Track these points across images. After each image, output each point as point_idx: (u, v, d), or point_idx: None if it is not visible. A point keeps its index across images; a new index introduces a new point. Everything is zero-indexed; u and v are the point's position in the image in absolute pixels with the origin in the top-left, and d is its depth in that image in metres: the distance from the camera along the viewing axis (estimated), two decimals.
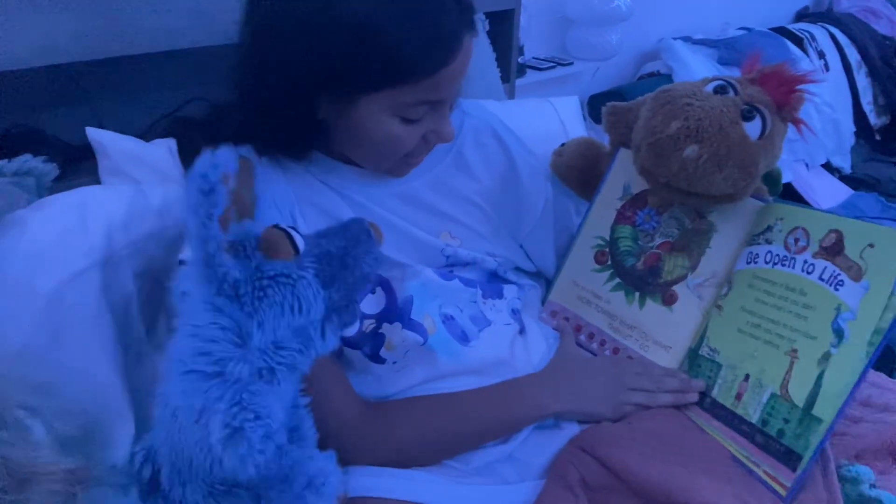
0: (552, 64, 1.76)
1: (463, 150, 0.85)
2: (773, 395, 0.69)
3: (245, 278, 0.54)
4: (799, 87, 0.77)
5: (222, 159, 0.53)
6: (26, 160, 0.81)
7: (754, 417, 0.70)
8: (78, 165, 0.90)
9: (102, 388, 0.72)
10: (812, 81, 0.77)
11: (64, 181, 0.86)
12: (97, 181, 0.87)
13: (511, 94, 1.45)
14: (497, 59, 1.33)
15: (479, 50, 1.26)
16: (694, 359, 0.79)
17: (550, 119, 1.19)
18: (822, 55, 2.42)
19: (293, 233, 0.58)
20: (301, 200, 0.75)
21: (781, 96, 0.77)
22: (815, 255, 0.71)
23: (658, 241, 0.85)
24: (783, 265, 0.74)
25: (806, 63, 2.27)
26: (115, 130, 0.89)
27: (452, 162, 0.85)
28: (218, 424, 0.52)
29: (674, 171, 0.76)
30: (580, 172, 0.95)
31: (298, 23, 0.64)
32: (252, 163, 0.66)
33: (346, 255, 0.59)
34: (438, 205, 0.82)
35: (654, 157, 0.77)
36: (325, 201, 0.76)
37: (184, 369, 0.56)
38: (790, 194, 2.07)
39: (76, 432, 0.68)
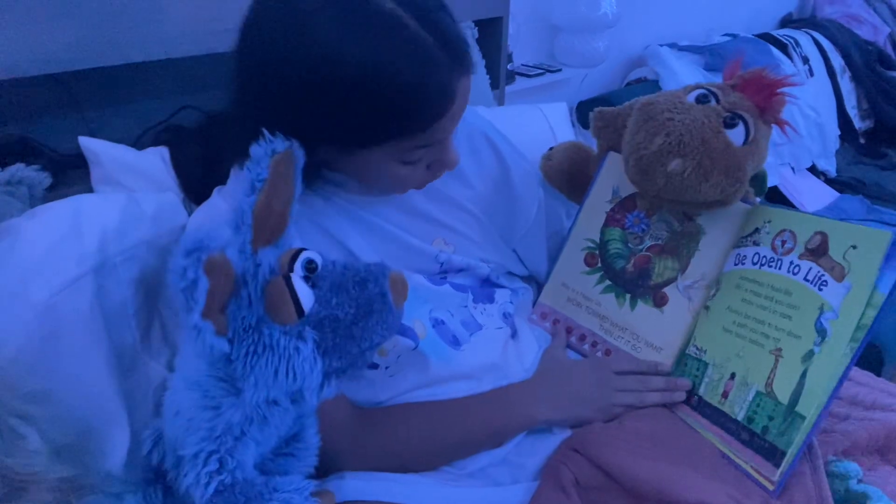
0: (541, 71, 1.77)
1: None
2: (758, 393, 0.71)
3: (238, 341, 0.52)
4: (779, 90, 0.78)
5: (211, 235, 0.49)
6: (19, 169, 0.82)
7: (740, 415, 0.71)
8: (70, 174, 0.90)
9: (97, 396, 0.72)
10: (792, 84, 0.78)
11: (56, 190, 0.87)
12: (90, 190, 0.87)
13: (501, 101, 1.46)
14: (486, 67, 1.34)
15: None
16: (681, 358, 0.80)
17: (540, 125, 1.20)
18: (806, 61, 2.45)
19: (301, 289, 0.54)
20: (296, 213, 0.75)
21: (762, 101, 0.78)
22: (800, 257, 0.72)
23: (647, 243, 0.87)
24: (770, 266, 0.75)
25: (790, 68, 2.30)
26: (107, 139, 0.89)
27: None
28: (190, 456, 0.55)
29: (661, 185, 0.78)
30: (569, 176, 0.96)
31: (293, 80, 0.61)
32: (293, 156, 0.60)
33: (355, 324, 0.54)
34: (432, 212, 0.83)
35: (640, 172, 0.79)
36: (318, 213, 0.76)
37: (187, 385, 0.58)
38: (776, 197, 2.09)
39: (71, 440, 0.68)
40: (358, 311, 0.54)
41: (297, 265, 0.55)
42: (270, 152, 0.56)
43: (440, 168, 0.73)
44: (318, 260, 0.56)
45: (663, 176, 0.77)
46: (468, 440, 0.75)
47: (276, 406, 0.55)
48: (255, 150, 0.56)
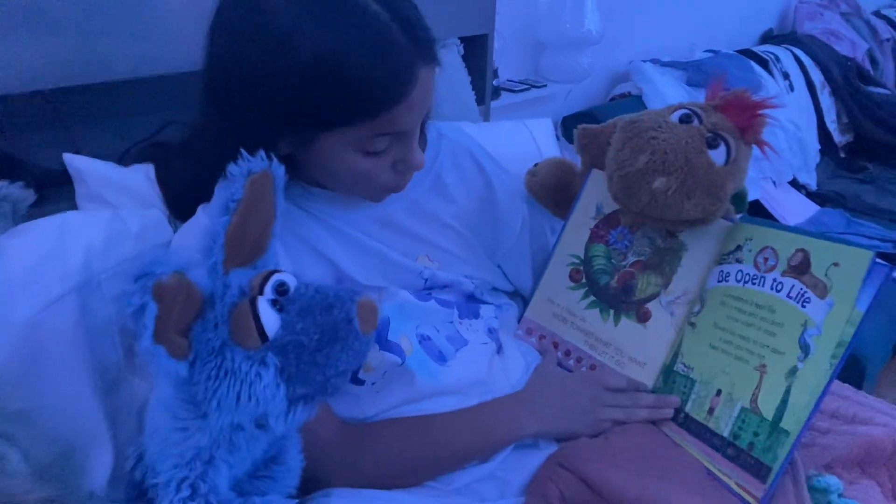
0: (526, 86, 1.79)
1: (441, 173, 0.86)
2: (743, 409, 0.71)
3: (201, 364, 0.52)
4: (760, 111, 0.79)
5: (163, 260, 0.47)
6: (2, 186, 0.81)
7: (725, 431, 0.72)
8: (54, 191, 0.89)
9: (80, 415, 0.71)
10: (772, 106, 0.80)
11: (40, 207, 0.86)
12: (74, 207, 0.87)
13: (486, 116, 1.47)
14: (472, 83, 1.35)
15: (454, 73, 1.28)
16: (669, 375, 0.81)
17: (525, 141, 1.21)
18: (786, 76, 2.48)
19: (266, 314, 0.52)
20: (282, 228, 0.75)
21: (744, 121, 0.80)
22: (783, 274, 0.74)
23: (631, 259, 0.87)
24: (753, 283, 0.76)
25: (771, 83, 2.33)
26: (91, 155, 0.89)
27: (430, 185, 0.86)
28: (163, 483, 0.55)
29: (644, 203, 0.79)
30: (554, 192, 0.97)
31: (250, 65, 0.63)
32: (271, 176, 0.59)
33: (319, 350, 0.52)
34: (415, 229, 0.83)
35: (624, 189, 0.80)
36: (304, 228, 0.76)
37: (158, 406, 0.57)
38: (758, 211, 2.11)
39: (53, 460, 0.68)
40: (322, 337, 0.52)
41: (268, 288, 0.54)
42: (247, 172, 0.56)
43: (405, 169, 0.73)
44: (291, 283, 0.55)
45: (647, 193, 0.78)
46: (457, 453, 0.75)
47: (242, 431, 0.55)
48: (232, 169, 0.55)
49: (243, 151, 0.56)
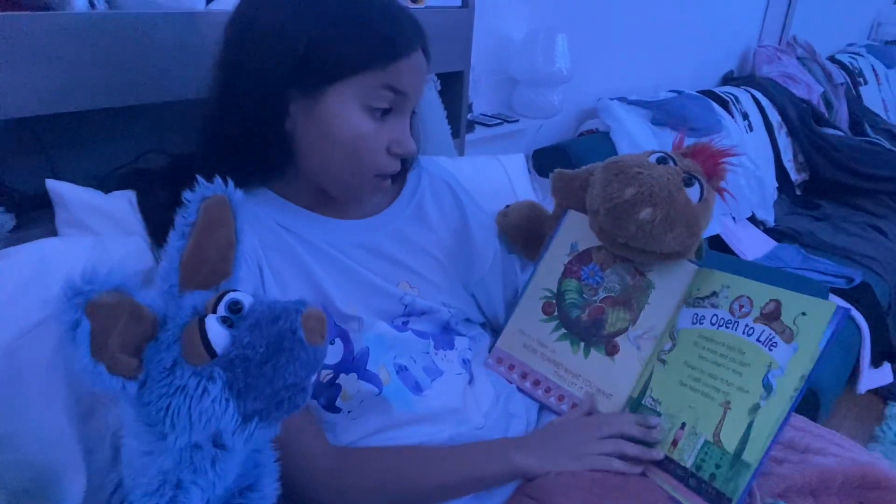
0: (499, 120, 1.82)
1: (423, 202, 0.90)
2: (706, 442, 0.75)
3: (153, 383, 0.51)
4: (723, 159, 0.86)
5: (97, 278, 0.47)
6: None
7: (689, 462, 0.75)
8: (33, 215, 0.89)
9: (55, 441, 0.71)
10: (735, 155, 0.87)
11: (19, 231, 0.86)
12: (53, 231, 0.86)
13: (461, 150, 1.51)
14: (448, 117, 1.38)
15: (431, 108, 1.31)
16: (637, 408, 0.84)
17: (499, 176, 1.25)
18: (746, 116, 2.57)
19: (214, 330, 0.52)
20: (266, 247, 0.77)
21: (710, 167, 0.87)
22: (755, 320, 0.78)
23: (602, 295, 0.91)
24: (727, 327, 0.80)
25: (731, 123, 2.42)
26: (71, 181, 0.88)
27: (413, 214, 0.89)
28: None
29: (632, 232, 0.83)
30: (525, 232, 1.01)
31: (268, 20, 0.70)
32: (226, 200, 0.59)
33: (265, 363, 0.51)
34: (398, 255, 0.85)
35: (612, 220, 0.84)
36: (289, 249, 0.78)
37: (126, 431, 0.57)
38: (719, 245, 2.17)
39: (28, 486, 0.68)
40: (268, 349, 0.51)
41: (221, 306, 0.54)
42: (200, 197, 0.56)
43: (398, 148, 0.76)
44: (246, 301, 0.54)
45: (634, 223, 0.82)
46: (446, 484, 0.75)
47: (201, 450, 0.54)
48: (187, 195, 0.56)
49: (199, 178, 0.57)
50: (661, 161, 0.86)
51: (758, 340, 0.77)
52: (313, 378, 0.55)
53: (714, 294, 0.84)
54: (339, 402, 0.77)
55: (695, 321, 0.84)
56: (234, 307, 0.54)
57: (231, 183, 0.59)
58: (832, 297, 0.66)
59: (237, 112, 0.73)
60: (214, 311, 0.53)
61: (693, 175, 0.84)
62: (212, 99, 0.76)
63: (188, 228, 0.56)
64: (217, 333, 0.51)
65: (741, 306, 0.81)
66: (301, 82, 0.71)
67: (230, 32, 0.75)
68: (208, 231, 0.57)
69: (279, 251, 0.78)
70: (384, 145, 0.75)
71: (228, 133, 0.75)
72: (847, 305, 0.73)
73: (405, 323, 0.86)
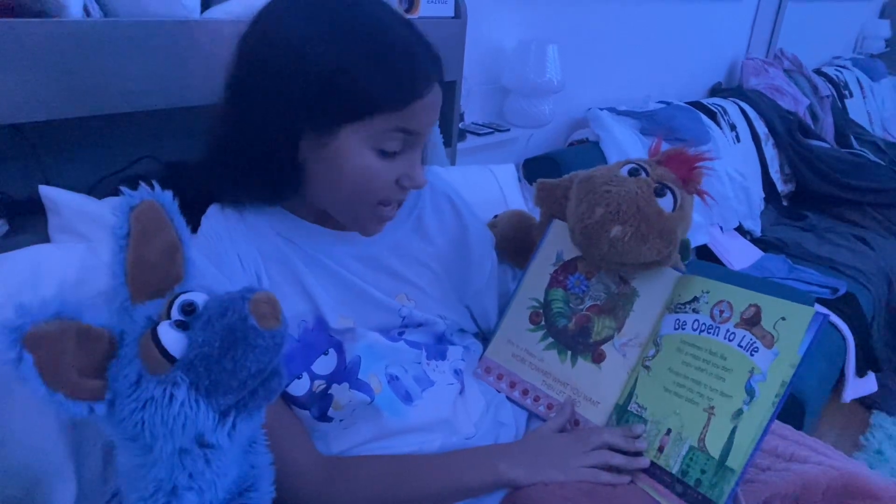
0: (490, 130, 1.84)
1: (422, 214, 0.90)
2: (691, 448, 0.76)
3: (123, 399, 0.51)
4: (697, 164, 0.88)
5: (29, 309, 0.46)
6: None
7: (675, 468, 0.76)
8: (25, 221, 0.89)
9: (46, 449, 0.71)
10: (708, 159, 0.88)
11: (10, 238, 0.86)
12: (45, 237, 0.86)
13: (453, 158, 1.52)
14: (440, 126, 1.40)
15: None
16: (622, 414, 0.85)
17: (490, 186, 1.26)
18: (733, 127, 2.59)
19: (168, 336, 0.51)
20: (265, 258, 0.77)
21: (685, 173, 0.88)
22: (736, 325, 0.80)
23: (588, 303, 0.92)
24: (709, 332, 0.82)
25: (718, 134, 2.44)
26: (63, 187, 0.89)
27: (412, 226, 0.89)
28: None
29: (605, 250, 0.84)
30: (513, 241, 1.02)
31: (283, 65, 0.67)
32: (157, 205, 0.58)
33: (224, 356, 0.51)
34: (397, 267, 0.86)
35: (585, 240, 0.85)
36: (286, 259, 0.78)
37: (116, 443, 0.57)
38: (706, 255, 2.18)
39: (18, 493, 0.68)
40: (223, 343, 0.51)
41: (174, 310, 0.53)
42: (128, 207, 0.56)
43: (408, 182, 0.75)
44: (198, 300, 0.54)
45: (606, 242, 0.83)
46: (434, 493, 0.76)
47: (189, 454, 0.54)
48: (113, 207, 0.56)
49: (123, 188, 0.55)
50: (633, 172, 0.87)
51: (739, 346, 0.78)
52: (277, 360, 0.54)
53: (695, 299, 0.85)
54: (331, 412, 0.78)
55: (677, 326, 0.85)
56: (188, 308, 0.53)
57: (157, 186, 0.57)
58: (818, 307, 0.67)
59: (247, 137, 0.71)
60: (169, 317, 0.53)
61: (665, 185, 0.85)
62: (222, 113, 0.73)
63: (124, 241, 0.56)
64: (171, 339, 0.51)
65: (721, 311, 0.82)
66: (314, 120, 0.69)
67: (246, 48, 0.71)
68: (145, 239, 0.57)
69: (277, 261, 0.78)
70: (394, 179, 0.74)
71: (237, 151, 0.73)
72: (826, 311, 0.74)
73: (400, 334, 0.86)
